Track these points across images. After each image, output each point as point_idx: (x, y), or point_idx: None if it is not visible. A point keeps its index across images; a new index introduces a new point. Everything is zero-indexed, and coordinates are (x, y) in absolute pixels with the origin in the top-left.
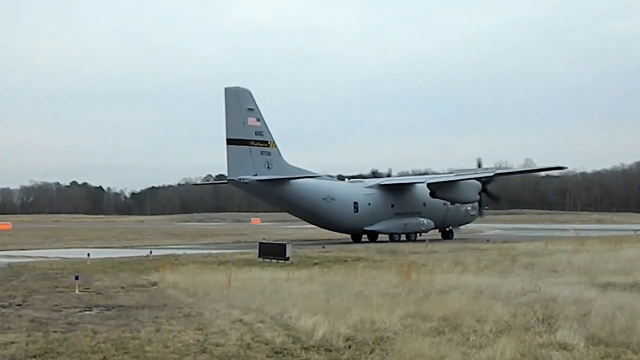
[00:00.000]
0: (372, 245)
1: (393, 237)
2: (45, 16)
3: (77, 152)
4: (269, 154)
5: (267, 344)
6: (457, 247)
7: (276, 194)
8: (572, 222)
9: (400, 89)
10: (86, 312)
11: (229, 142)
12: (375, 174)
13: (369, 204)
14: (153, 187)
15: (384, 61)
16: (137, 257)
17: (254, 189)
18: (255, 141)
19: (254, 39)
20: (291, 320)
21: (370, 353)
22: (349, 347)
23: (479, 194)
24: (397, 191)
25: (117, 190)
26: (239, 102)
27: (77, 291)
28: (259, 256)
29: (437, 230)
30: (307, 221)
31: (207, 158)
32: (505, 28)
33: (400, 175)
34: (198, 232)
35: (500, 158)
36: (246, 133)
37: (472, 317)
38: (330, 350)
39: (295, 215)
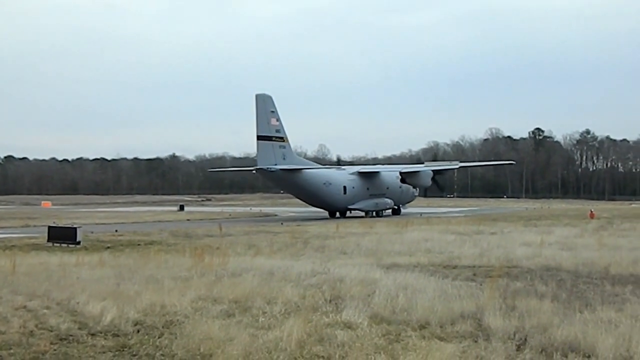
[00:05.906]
0: (167, 228)
1: (368, 214)
2: None
3: None
4: (284, 147)
5: (51, 331)
6: (251, 230)
7: (292, 180)
8: None
9: (197, 72)
10: None
11: (259, 138)
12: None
13: (353, 187)
14: None
15: (182, 44)
16: None
17: (276, 176)
18: (276, 137)
19: (48, 18)
20: (79, 305)
21: (159, 337)
22: (138, 331)
23: (432, 179)
24: (371, 177)
25: None
26: (265, 106)
27: None
28: (48, 240)
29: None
30: (309, 203)
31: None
32: (299, 16)
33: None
34: None
35: (296, 144)
36: (270, 131)
37: (263, 299)
38: (118, 336)
39: (301, 198)
